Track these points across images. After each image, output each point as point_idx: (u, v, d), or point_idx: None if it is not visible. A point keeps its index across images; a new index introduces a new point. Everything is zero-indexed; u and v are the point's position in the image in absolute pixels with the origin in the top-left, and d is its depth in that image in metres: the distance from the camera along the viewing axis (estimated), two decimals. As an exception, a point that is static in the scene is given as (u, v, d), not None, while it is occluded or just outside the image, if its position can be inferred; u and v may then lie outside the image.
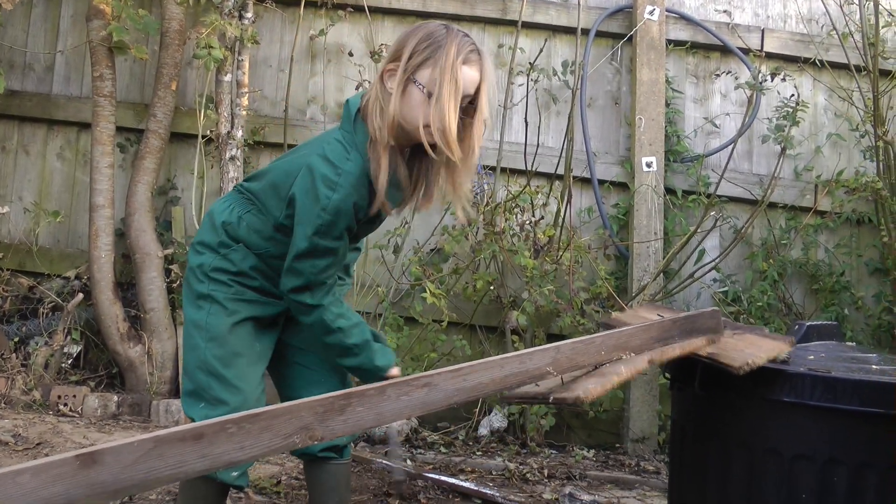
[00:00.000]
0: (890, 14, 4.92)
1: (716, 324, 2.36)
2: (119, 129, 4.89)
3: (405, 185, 2.36)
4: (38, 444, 3.86)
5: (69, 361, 4.78)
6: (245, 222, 2.42)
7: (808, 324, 2.60)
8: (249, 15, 4.75)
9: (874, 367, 2.38)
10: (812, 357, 2.41)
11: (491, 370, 2.02)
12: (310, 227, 2.24)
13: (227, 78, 4.75)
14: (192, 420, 2.35)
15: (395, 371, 2.47)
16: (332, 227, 2.24)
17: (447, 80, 2.17)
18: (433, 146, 2.22)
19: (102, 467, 1.74)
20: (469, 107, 2.26)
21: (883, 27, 4.86)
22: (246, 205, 2.45)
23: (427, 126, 2.19)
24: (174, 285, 4.76)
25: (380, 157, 2.24)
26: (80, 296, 4.73)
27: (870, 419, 2.21)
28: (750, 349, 2.17)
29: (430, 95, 2.19)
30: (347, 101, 2.37)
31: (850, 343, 2.87)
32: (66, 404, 4.43)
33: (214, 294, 2.42)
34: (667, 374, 2.62)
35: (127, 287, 4.91)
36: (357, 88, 4.80)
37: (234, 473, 2.37)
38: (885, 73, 4.85)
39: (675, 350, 2.19)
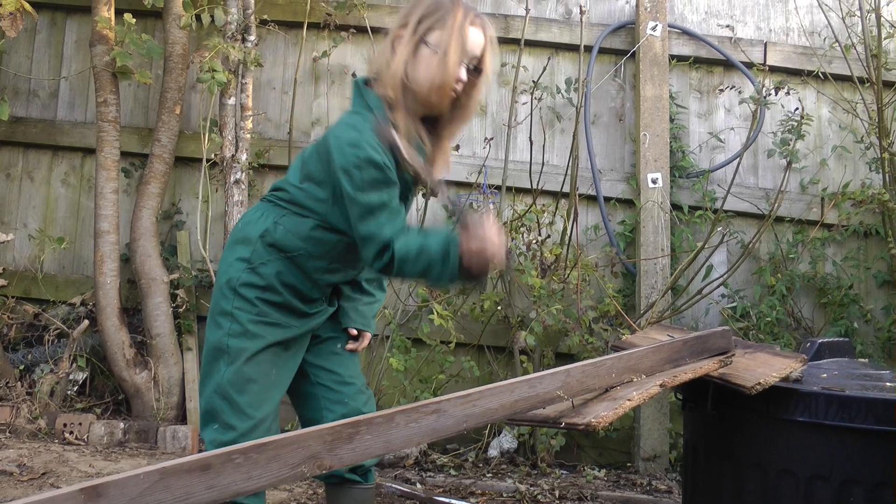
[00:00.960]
0: (892, 25, 4.91)
1: (727, 343, 2.33)
2: (123, 154, 4.89)
3: (426, 144, 2.42)
4: (43, 474, 3.83)
5: (75, 389, 4.76)
6: (282, 226, 2.41)
7: (819, 341, 2.58)
8: (252, 38, 4.75)
9: (888, 384, 2.36)
10: (825, 375, 2.38)
11: (500, 395, 2.00)
12: (354, 188, 2.25)
13: (231, 101, 4.75)
14: (204, 440, 2.40)
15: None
16: (375, 182, 2.25)
17: (455, 39, 2.30)
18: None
19: (107, 501, 1.72)
20: (474, 71, 2.37)
21: (885, 39, 4.85)
22: (279, 210, 2.44)
23: (441, 85, 2.31)
24: (180, 310, 4.75)
25: (398, 114, 2.33)
26: (86, 322, 4.71)
27: (886, 438, 2.18)
28: (762, 368, 2.15)
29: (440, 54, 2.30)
30: (355, 80, 2.43)
31: (862, 360, 2.84)
32: (71, 432, 4.40)
33: (237, 314, 2.39)
34: (679, 394, 2.59)
35: (133, 313, 4.89)
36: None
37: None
38: (889, 85, 4.83)
39: (687, 374, 2.16)
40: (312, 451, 1.85)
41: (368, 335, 2.68)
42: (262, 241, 2.41)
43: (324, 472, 1.87)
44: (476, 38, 2.35)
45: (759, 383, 2.06)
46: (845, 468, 2.21)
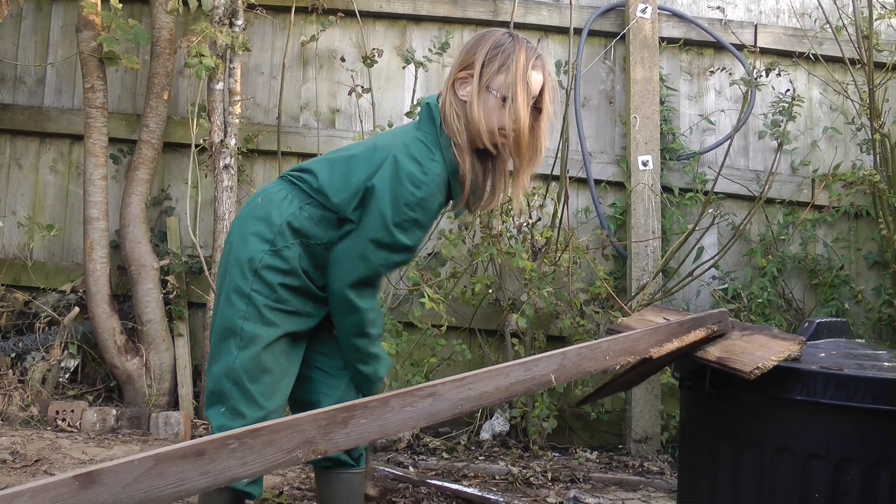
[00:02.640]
0: (883, 6, 4.90)
1: (723, 325, 2.33)
2: (112, 141, 4.86)
3: (479, 186, 2.49)
4: (36, 461, 3.81)
5: (66, 376, 4.74)
6: (306, 213, 2.40)
7: (817, 321, 2.57)
8: (240, 22, 4.72)
9: (886, 364, 2.36)
10: (823, 354, 2.38)
11: (496, 378, 1.99)
12: (392, 219, 2.31)
13: (219, 86, 4.71)
14: (209, 421, 2.38)
15: None
16: (414, 224, 2.34)
17: (520, 85, 2.35)
18: (497, 147, 2.42)
19: (102, 487, 1.71)
20: (534, 110, 2.43)
21: (876, 19, 4.84)
22: (304, 196, 2.43)
23: (502, 129, 2.39)
24: (171, 296, 4.74)
25: (465, 158, 2.40)
26: (77, 309, 4.69)
27: (883, 416, 2.18)
28: (760, 351, 2.14)
29: (504, 100, 2.36)
30: (427, 102, 2.47)
31: (859, 340, 2.84)
32: (64, 419, 4.39)
33: (254, 297, 2.36)
34: (676, 374, 2.59)
35: (123, 299, 4.87)
36: (350, 94, 4.77)
37: (246, 480, 2.32)
38: (880, 66, 4.83)
39: (674, 343, 2.16)
40: (307, 436, 1.84)
41: None
42: (288, 225, 2.39)
43: (319, 456, 1.86)
44: (536, 80, 2.40)
45: (758, 367, 2.06)
46: (842, 447, 2.20)
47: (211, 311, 4.63)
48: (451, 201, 2.51)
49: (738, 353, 2.18)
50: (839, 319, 2.70)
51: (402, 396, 1.93)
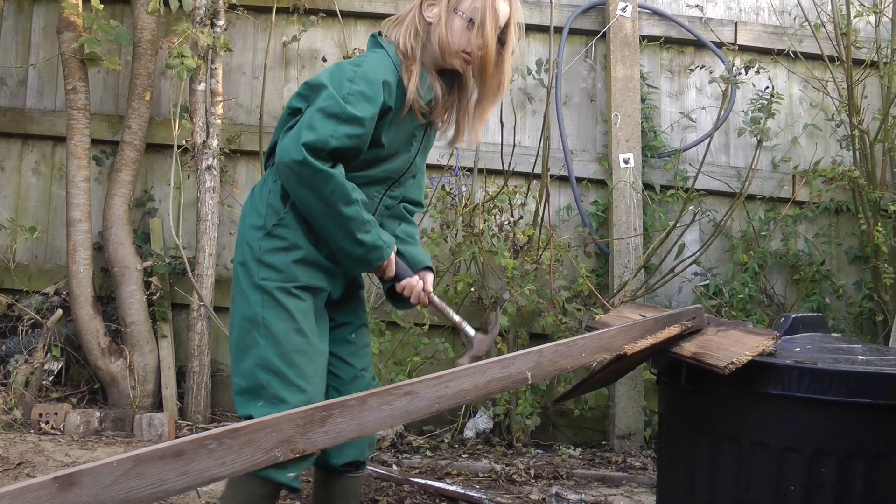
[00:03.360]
0: (861, 4, 4.93)
1: (699, 321, 2.35)
2: (94, 142, 4.85)
3: (440, 95, 2.49)
4: (18, 464, 3.81)
5: (50, 378, 4.73)
6: (280, 181, 2.42)
7: (793, 315, 2.59)
8: (221, 23, 4.71)
9: (860, 357, 2.39)
10: (798, 349, 2.41)
11: (473, 376, 2.01)
12: (338, 92, 2.30)
13: (201, 87, 4.71)
14: (250, 418, 2.27)
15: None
16: (360, 96, 2.31)
17: (488, 10, 2.39)
18: (460, 70, 2.47)
19: (81, 489, 1.73)
20: (498, 41, 2.45)
21: (855, 17, 4.87)
22: (273, 170, 2.46)
23: (465, 51, 2.42)
24: (154, 298, 4.73)
25: (411, 66, 2.42)
26: (60, 312, 4.68)
27: (857, 409, 2.21)
28: (734, 346, 2.16)
29: (470, 22, 2.40)
30: (372, 34, 2.56)
31: (835, 334, 2.87)
32: (47, 422, 4.38)
33: (265, 284, 2.37)
34: (653, 370, 2.61)
35: (107, 301, 4.86)
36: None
37: (291, 474, 2.26)
38: (859, 63, 4.87)
39: (648, 339, 2.18)
40: (286, 435, 1.86)
41: (430, 274, 2.67)
42: (269, 204, 2.42)
43: (297, 455, 1.87)
44: (503, 10, 2.44)
45: (732, 362, 2.08)
46: (817, 440, 2.23)
47: (195, 313, 4.63)
48: (404, 105, 2.45)
49: (713, 349, 2.20)
50: (815, 314, 2.72)
51: (379, 395, 1.94)
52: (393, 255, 2.48)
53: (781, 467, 2.26)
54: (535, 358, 2.05)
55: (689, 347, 2.30)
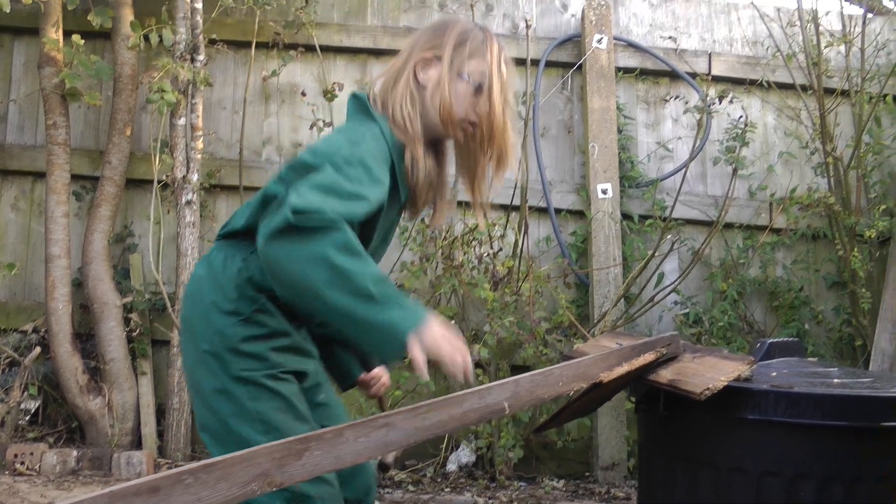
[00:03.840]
0: (831, 34, 5.01)
1: (675, 348, 2.36)
2: (74, 177, 4.84)
3: (432, 174, 2.20)
4: (-6, 506, 3.77)
5: (27, 418, 4.68)
6: (253, 264, 2.04)
7: (769, 341, 2.61)
8: (201, 57, 4.73)
9: (835, 380, 2.40)
10: (774, 374, 2.42)
11: (450, 407, 2.00)
12: (335, 168, 1.92)
13: (182, 121, 4.72)
14: None
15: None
16: (366, 178, 1.95)
17: (496, 74, 2.12)
18: (466, 141, 2.17)
19: (56, 526, 1.71)
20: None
21: (826, 47, 4.95)
22: (242, 248, 2.08)
23: (470, 120, 2.14)
24: (134, 334, 4.71)
25: (415, 144, 2.11)
26: (38, 349, 4.65)
27: (834, 432, 2.23)
28: (710, 373, 2.17)
29: (478, 88, 2.12)
30: (353, 94, 2.19)
31: (811, 359, 2.89)
32: (23, 462, 4.31)
33: (248, 374, 2.02)
34: (632, 398, 2.62)
35: (86, 338, 4.83)
36: (311, 128, 4.80)
37: None
38: (830, 91, 4.93)
39: (623, 367, 2.19)
40: (262, 469, 1.84)
41: (384, 373, 2.50)
42: (238, 286, 2.04)
43: (274, 489, 1.86)
44: (507, 71, 2.19)
45: (708, 388, 2.09)
46: (795, 464, 2.24)
47: (175, 349, 4.61)
48: (399, 194, 2.14)
49: (689, 375, 2.21)
50: (791, 339, 2.75)
51: (356, 427, 1.93)
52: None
53: (760, 492, 2.27)
54: (511, 388, 2.05)
55: (665, 374, 2.30)
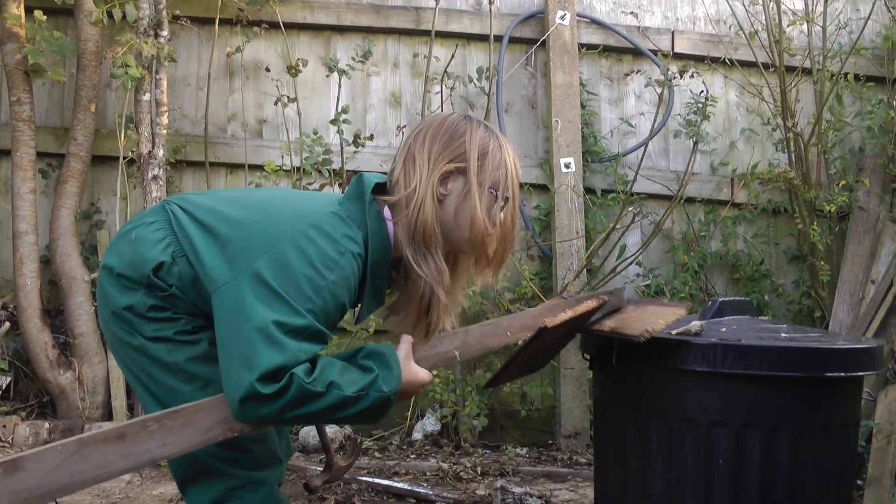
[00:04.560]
0: (793, 13, 5.09)
1: (619, 301, 2.46)
2: (40, 155, 4.83)
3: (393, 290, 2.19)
4: (-34, 474, 3.79)
5: (-2, 392, 4.71)
6: (178, 267, 2.00)
7: (721, 299, 2.69)
8: (165, 33, 4.74)
9: (783, 335, 2.48)
10: (724, 329, 2.50)
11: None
12: (303, 306, 1.86)
13: (146, 97, 4.72)
14: None
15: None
16: (323, 312, 1.90)
17: (516, 182, 2.09)
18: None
19: (26, 473, 1.76)
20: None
21: (787, 25, 5.02)
22: (179, 245, 2.01)
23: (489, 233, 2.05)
24: (102, 308, 4.72)
25: (436, 257, 2.03)
26: (7, 325, 4.66)
27: (780, 383, 2.32)
28: (649, 318, 2.26)
29: (506, 201, 2.07)
30: (361, 175, 2.05)
31: (763, 317, 2.97)
32: (-5, 434, 4.36)
33: (161, 333, 2.01)
34: (586, 355, 2.69)
35: (55, 314, 4.85)
36: (276, 104, 4.82)
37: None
38: (791, 69, 5.00)
39: (567, 313, 2.25)
40: (224, 415, 1.90)
41: None
42: (155, 273, 2.00)
43: (235, 433, 1.91)
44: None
45: (647, 331, 2.17)
46: (743, 414, 2.33)
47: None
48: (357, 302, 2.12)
49: (630, 322, 2.30)
50: (743, 298, 2.82)
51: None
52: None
53: (710, 442, 2.35)
54: (461, 337, 2.14)
55: (608, 324, 2.41)
